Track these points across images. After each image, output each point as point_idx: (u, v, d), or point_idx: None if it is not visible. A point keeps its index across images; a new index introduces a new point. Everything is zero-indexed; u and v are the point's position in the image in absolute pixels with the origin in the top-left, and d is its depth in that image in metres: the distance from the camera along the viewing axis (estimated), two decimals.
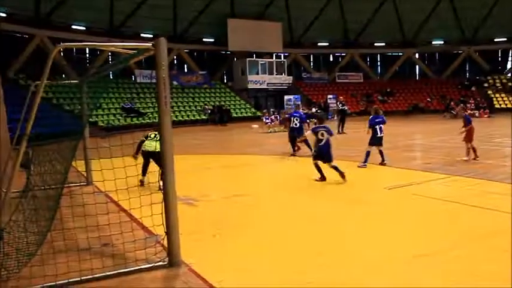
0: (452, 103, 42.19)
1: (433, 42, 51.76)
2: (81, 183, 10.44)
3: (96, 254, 5.52)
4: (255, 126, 11.89)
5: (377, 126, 12.24)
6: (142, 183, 9.73)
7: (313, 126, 10.93)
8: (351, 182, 10.13)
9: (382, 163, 12.20)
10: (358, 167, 11.94)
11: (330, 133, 10.38)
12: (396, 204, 8.23)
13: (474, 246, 5.59)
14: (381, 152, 12.31)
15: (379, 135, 12.25)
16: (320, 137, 10.29)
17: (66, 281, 4.66)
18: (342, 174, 10.05)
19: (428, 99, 48.02)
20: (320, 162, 10.32)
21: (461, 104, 35.18)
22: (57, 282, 4.62)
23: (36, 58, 33.29)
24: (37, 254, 5.22)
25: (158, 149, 10.33)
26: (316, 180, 10.30)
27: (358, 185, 10.08)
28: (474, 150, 12.56)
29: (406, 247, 5.65)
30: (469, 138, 12.64)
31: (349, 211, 7.71)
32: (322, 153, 10.28)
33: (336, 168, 10.13)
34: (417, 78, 54.01)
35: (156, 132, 9.86)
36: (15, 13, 33.68)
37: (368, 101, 46.36)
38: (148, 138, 10.16)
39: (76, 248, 5.63)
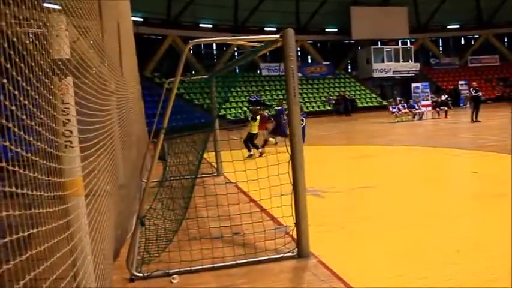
0: None
1: None
2: (213, 174, 10.90)
3: (228, 242, 5.70)
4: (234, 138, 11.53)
5: None
6: (260, 154, 12.94)
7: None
8: (484, 173, 9.41)
9: None
10: None
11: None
12: None
13: None
14: None
15: None
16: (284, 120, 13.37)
17: (200, 267, 4.88)
18: (262, 151, 13.15)
19: None
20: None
21: None
22: (192, 268, 4.84)
23: (169, 57, 35.60)
24: (174, 241, 5.53)
25: (254, 132, 13.71)
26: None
27: (491, 177, 9.31)
28: None
29: None
30: None
31: (485, 205, 7.07)
32: (281, 131, 13.40)
33: (265, 143, 13.63)
34: None
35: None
36: (150, 17, 36.22)
37: (505, 85, 42.59)
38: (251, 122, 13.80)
39: (209, 236, 5.87)
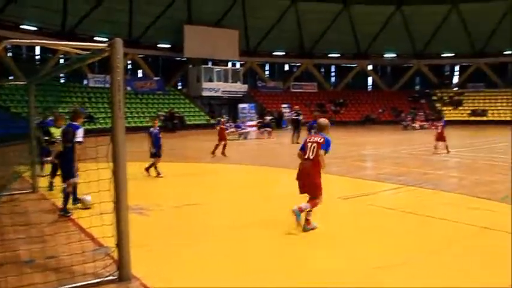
0: (403, 115, 43.53)
1: (385, 55, 53.12)
2: (26, 191, 9.83)
3: (39, 267, 5.15)
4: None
5: None
6: None
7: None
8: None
9: None
10: None
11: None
12: (352, 214, 8.21)
13: (428, 259, 5.57)
14: None
15: None
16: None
17: None
18: None
19: (380, 110, 49.11)
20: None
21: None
22: None
23: None
24: None
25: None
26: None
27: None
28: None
29: (366, 258, 5.57)
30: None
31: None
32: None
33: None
34: (370, 89, 55.28)
35: None
36: None
37: (321, 110, 46.94)
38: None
39: (17, 261, 5.25)
